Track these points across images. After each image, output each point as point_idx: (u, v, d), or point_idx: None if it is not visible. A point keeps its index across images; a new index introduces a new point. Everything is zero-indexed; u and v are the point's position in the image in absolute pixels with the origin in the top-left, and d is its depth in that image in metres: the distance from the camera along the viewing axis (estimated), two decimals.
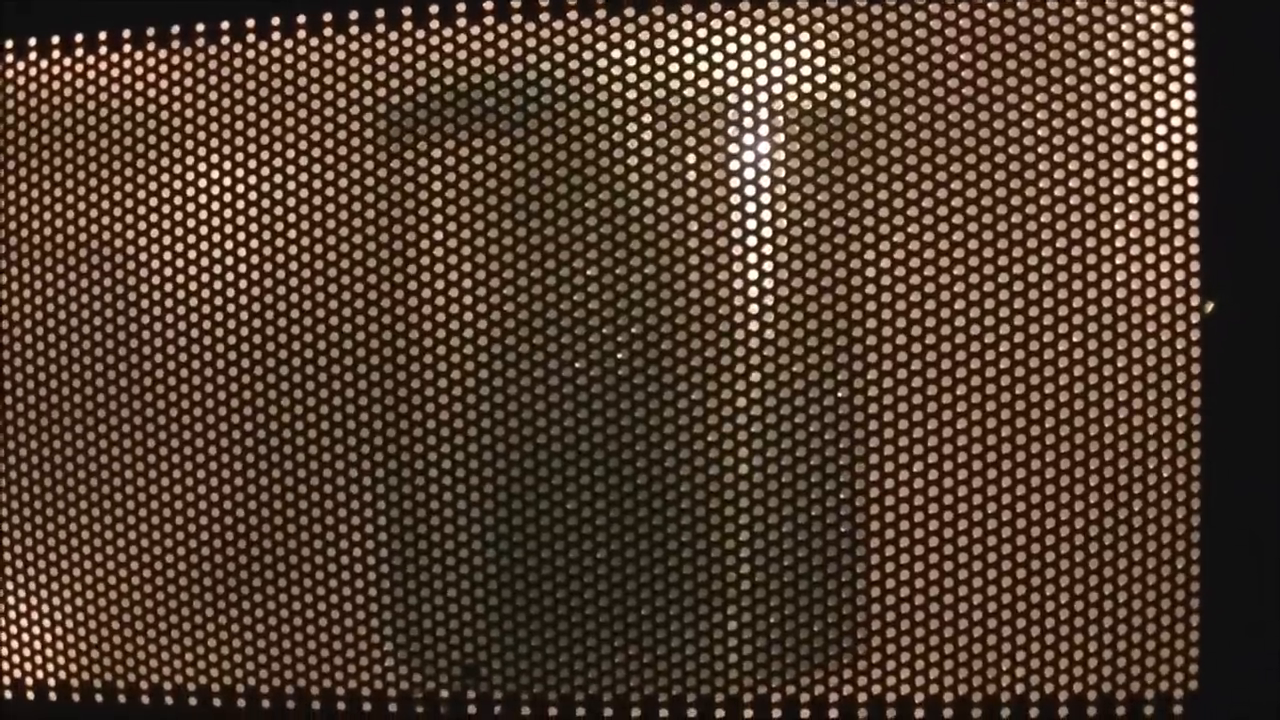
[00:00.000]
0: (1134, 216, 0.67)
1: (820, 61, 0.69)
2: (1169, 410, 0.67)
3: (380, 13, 0.73)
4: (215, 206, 0.74)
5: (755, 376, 0.70)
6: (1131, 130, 0.67)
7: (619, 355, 0.70)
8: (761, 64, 0.70)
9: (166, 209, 0.75)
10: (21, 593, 0.78)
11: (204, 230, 0.74)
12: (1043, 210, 0.68)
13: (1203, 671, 0.67)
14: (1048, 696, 0.69)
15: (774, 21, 0.70)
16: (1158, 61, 0.67)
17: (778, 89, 0.70)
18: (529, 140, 0.71)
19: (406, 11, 0.73)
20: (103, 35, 0.76)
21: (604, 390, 0.71)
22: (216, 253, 0.74)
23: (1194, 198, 0.67)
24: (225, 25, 0.74)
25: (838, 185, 0.69)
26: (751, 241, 0.70)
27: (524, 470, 0.71)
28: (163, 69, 0.75)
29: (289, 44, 0.74)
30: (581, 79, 0.71)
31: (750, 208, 0.70)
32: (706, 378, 0.70)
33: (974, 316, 0.68)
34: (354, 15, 0.73)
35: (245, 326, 0.74)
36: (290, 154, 0.73)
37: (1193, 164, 0.67)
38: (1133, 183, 0.67)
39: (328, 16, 0.73)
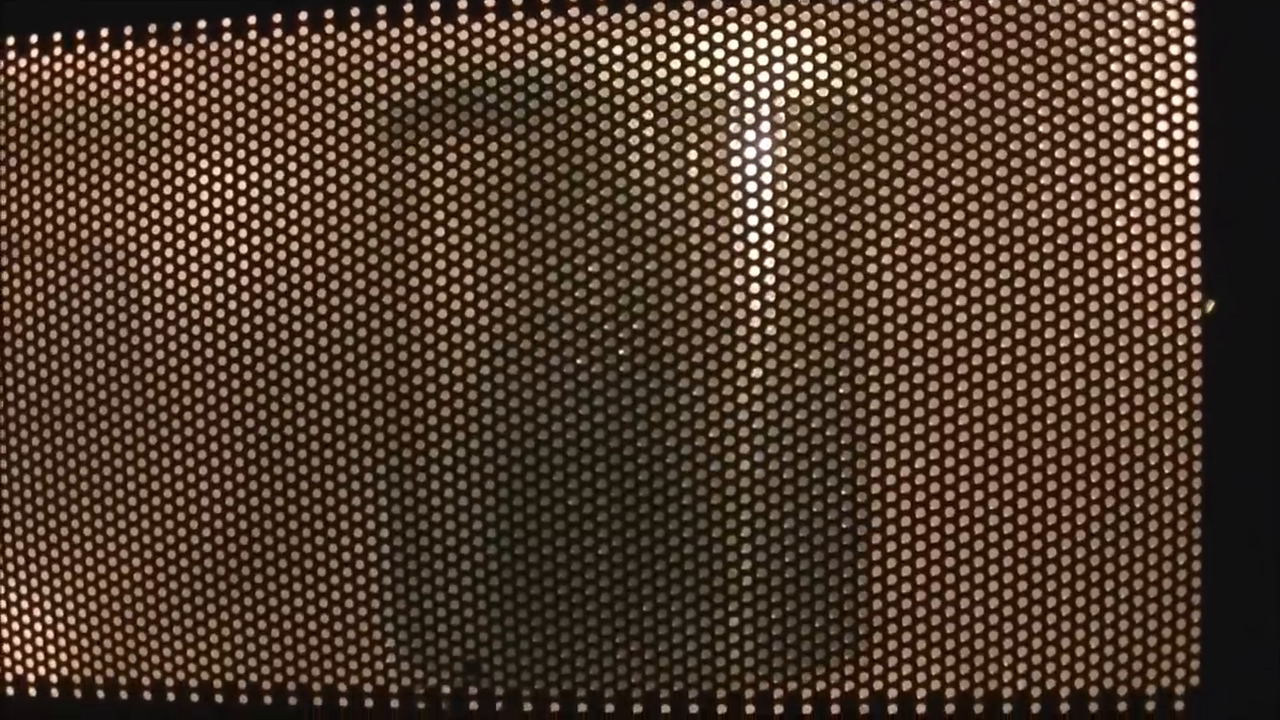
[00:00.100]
0: (1135, 215, 0.68)
1: (822, 58, 0.70)
2: (1170, 408, 0.67)
3: (382, 10, 0.73)
4: (218, 204, 0.74)
5: (757, 373, 0.70)
6: (1133, 128, 0.67)
7: (621, 351, 0.71)
8: (763, 60, 0.70)
9: (169, 206, 0.75)
10: (23, 589, 0.78)
11: (206, 228, 0.74)
12: (1044, 208, 0.68)
13: (1205, 667, 0.68)
14: (1050, 693, 0.69)
15: (775, 18, 0.70)
16: (1159, 59, 0.67)
17: (779, 85, 0.70)
18: (531, 137, 0.71)
19: (408, 8, 0.73)
20: (104, 32, 0.75)
21: (606, 386, 0.71)
22: (219, 250, 0.74)
23: (1195, 196, 0.67)
24: (227, 22, 0.74)
25: (839, 182, 0.69)
26: (753, 238, 0.70)
27: (526, 466, 0.71)
28: (164, 66, 0.75)
29: (291, 41, 0.73)
30: (583, 76, 0.71)
31: (752, 204, 0.70)
32: (709, 374, 0.70)
33: (975, 314, 0.68)
34: (355, 12, 0.73)
35: (247, 323, 0.74)
36: (292, 151, 0.73)
37: (1194, 162, 0.67)
38: (1134, 181, 0.67)
39: (329, 13, 0.73)
